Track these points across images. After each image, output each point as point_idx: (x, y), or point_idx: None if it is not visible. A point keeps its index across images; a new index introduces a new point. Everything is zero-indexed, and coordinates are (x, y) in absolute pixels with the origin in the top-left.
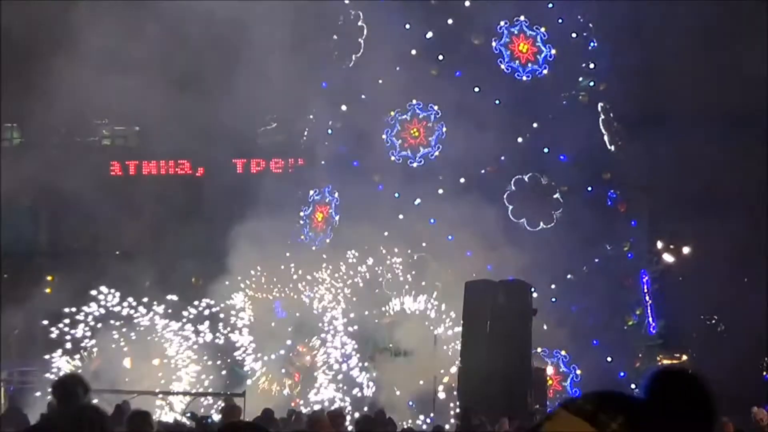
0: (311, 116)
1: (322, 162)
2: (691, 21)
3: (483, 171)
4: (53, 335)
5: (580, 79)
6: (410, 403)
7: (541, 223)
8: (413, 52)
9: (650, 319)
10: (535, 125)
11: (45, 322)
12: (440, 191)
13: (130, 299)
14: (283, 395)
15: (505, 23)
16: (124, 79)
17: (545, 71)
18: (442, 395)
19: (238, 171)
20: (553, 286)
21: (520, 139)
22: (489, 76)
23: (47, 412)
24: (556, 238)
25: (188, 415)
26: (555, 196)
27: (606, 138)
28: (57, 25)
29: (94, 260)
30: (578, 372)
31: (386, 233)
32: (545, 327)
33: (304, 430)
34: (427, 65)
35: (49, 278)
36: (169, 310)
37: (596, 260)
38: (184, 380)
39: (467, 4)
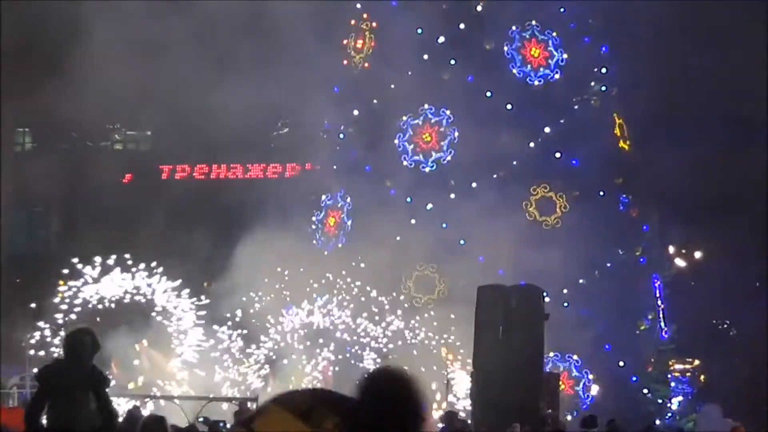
0: (325, 121)
1: (334, 167)
2: (704, 24)
3: (495, 176)
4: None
5: (592, 83)
6: None
7: (554, 228)
8: (425, 56)
9: (662, 323)
10: (547, 130)
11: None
12: (452, 196)
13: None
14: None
15: (517, 28)
16: (137, 83)
17: (557, 76)
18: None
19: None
20: (565, 291)
21: (532, 144)
22: (501, 80)
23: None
24: (568, 242)
25: (201, 419)
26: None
27: (618, 143)
28: (67, 31)
29: (108, 264)
30: (590, 376)
31: (398, 238)
32: (557, 331)
33: None
34: (439, 70)
35: (61, 283)
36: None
37: (608, 265)
38: (200, 384)
39: (479, 8)
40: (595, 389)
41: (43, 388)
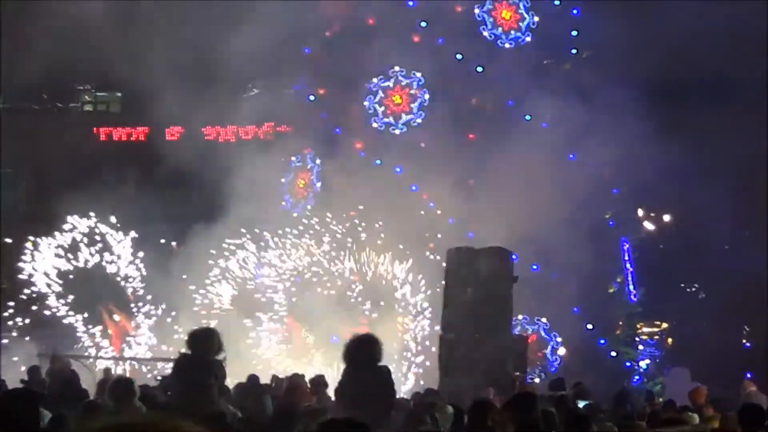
0: (294, 83)
1: (304, 128)
2: None
3: (465, 139)
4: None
5: (563, 46)
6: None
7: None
8: (396, 19)
9: (631, 286)
10: (517, 93)
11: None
12: (423, 158)
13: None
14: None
15: None
16: (107, 44)
17: (528, 38)
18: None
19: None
20: (534, 254)
21: (502, 107)
22: (472, 43)
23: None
24: (538, 205)
25: (159, 378)
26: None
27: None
28: None
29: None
30: (558, 339)
31: (368, 200)
32: (526, 294)
33: (281, 396)
34: (410, 32)
35: (29, 244)
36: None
37: (578, 228)
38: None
39: None
40: (562, 351)
41: (174, 379)
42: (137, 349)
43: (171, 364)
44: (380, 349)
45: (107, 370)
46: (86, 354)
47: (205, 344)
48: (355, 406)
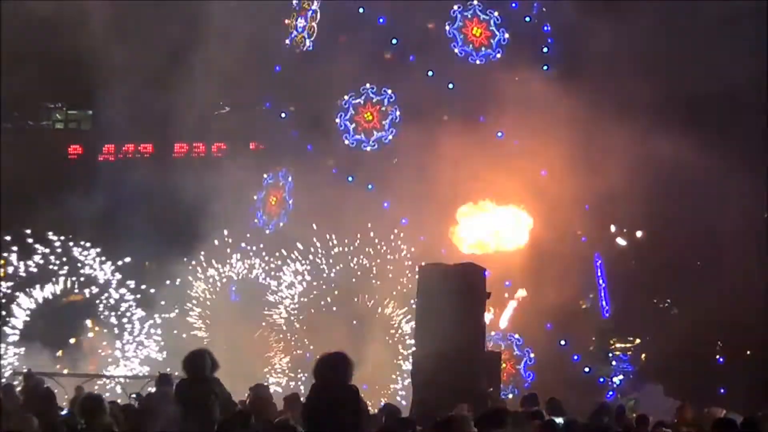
0: (265, 101)
1: (276, 146)
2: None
3: (437, 156)
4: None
5: (534, 63)
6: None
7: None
8: (367, 36)
9: (603, 302)
10: (489, 109)
11: None
12: (394, 175)
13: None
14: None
15: (459, 7)
16: (79, 63)
17: (499, 55)
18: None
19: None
20: (506, 270)
21: (474, 123)
22: (442, 60)
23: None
24: (511, 221)
25: (134, 396)
26: None
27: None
28: (6, 8)
29: (47, 244)
30: (532, 355)
31: (340, 216)
32: (499, 310)
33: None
34: (381, 49)
35: (2, 262)
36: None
37: (550, 243)
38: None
39: None
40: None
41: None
42: (115, 368)
43: (148, 382)
44: (351, 368)
45: (79, 388)
46: (60, 372)
47: (199, 365)
48: (319, 424)
